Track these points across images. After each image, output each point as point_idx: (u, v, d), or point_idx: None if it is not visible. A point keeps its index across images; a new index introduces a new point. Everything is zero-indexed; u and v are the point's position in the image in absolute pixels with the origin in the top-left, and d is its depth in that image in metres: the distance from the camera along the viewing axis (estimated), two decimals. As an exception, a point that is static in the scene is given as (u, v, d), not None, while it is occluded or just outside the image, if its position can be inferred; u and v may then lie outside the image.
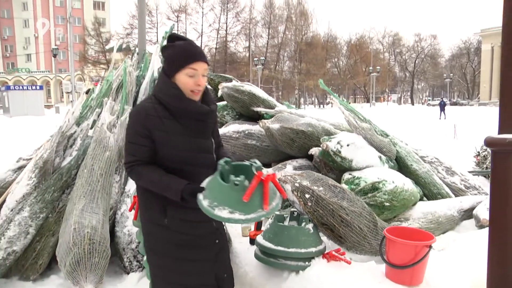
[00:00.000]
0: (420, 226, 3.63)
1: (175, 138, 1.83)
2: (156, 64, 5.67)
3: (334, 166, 3.27)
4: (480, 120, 20.84)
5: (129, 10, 66.74)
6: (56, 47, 35.22)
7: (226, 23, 51.25)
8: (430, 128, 16.55)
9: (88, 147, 4.00)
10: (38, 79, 55.58)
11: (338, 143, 3.18)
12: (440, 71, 70.95)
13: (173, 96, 1.83)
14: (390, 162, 4.26)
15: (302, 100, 61.51)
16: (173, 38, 1.92)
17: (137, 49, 6.58)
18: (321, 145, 3.07)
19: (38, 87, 33.71)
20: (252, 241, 2.91)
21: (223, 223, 2.10)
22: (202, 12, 49.88)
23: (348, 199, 2.66)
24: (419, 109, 45.87)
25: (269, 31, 54.15)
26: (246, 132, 4.16)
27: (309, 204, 2.46)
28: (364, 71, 60.35)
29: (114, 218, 3.70)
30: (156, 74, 5.45)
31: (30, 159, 4.25)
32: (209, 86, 5.31)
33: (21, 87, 32.50)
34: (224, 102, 4.73)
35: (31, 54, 61.86)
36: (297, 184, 2.50)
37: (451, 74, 66.98)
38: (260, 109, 4.06)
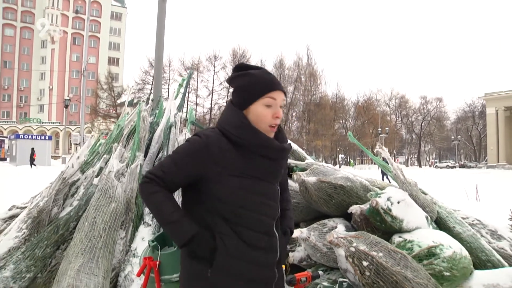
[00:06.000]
0: (480, 303, 3.02)
1: (234, 177, 1.50)
2: (172, 111, 5.33)
3: (382, 227, 2.75)
4: (496, 183, 20.20)
5: (142, 66, 69.03)
6: (68, 98, 35.76)
7: (237, 81, 52.61)
8: (444, 190, 15.89)
9: (91, 196, 3.52)
10: (48, 130, 56.27)
11: (388, 199, 2.68)
12: (446, 134, 71.11)
13: (246, 127, 1.53)
14: (432, 223, 3.73)
15: (309, 159, 61.21)
16: (242, 67, 1.63)
17: (151, 95, 6.32)
18: (370, 202, 2.57)
19: (47, 137, 33.87)
20: None
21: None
22: (214, 70, 51.32)
23: (412, 268, 2.12)
24: (427, 171, 45.19)
25: (278, 91, 55.05)
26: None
27: (367, 273, 1.92)
28: (371, 132, 60.45)
29: (116, 281, 3.13)
30: (172, 120, 5.10)
31: (25, 207, 3.75)
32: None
33: (30, 136, 32.63)
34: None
35: (43, 105, 63.21)
36: (352, 249, 1.97)
37: (459, 137, 66.99)
38: (290, 161, 3.56)
